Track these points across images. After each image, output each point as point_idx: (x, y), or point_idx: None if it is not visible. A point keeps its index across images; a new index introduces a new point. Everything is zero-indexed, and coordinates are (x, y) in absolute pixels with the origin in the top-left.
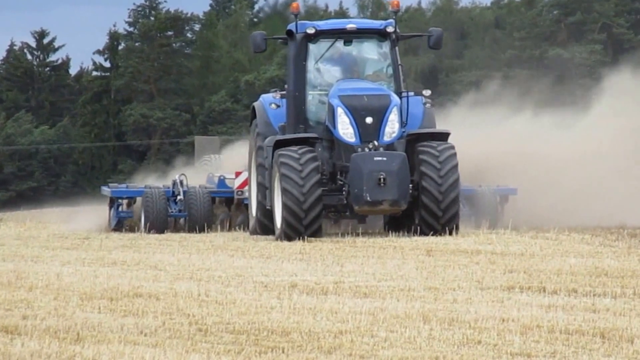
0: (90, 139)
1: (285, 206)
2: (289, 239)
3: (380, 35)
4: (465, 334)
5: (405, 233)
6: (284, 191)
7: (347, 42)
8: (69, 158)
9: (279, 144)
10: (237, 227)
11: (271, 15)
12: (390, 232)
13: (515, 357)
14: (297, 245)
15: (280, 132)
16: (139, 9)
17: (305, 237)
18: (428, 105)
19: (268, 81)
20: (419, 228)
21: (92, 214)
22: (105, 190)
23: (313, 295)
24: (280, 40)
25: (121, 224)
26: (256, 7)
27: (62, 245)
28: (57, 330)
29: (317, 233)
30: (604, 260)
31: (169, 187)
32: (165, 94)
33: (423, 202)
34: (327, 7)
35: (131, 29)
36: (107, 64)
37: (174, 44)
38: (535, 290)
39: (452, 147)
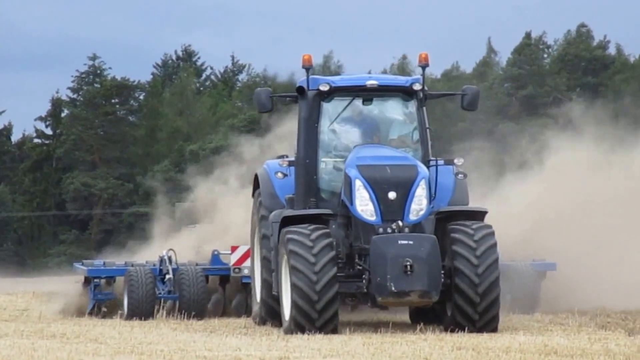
0: (31, 207)
1: (295, 304)
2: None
3: (405, 93)
4: None
5: (437, 327)
6: (294, 287)
7: (367, 101)
8: (7, 226)
9: (286, 221)
10: (233, 310)
11: (217, 83)
12: (417, 324)
13: None
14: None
15: (287, 205)
16: (83, 75)
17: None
18: (461, 176)
19: (213, 151)
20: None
21: (62, 293)
22: (80, 268)
23: None
24: (288, 98)
25: (99, 307)
26: (203, 75)
27: (0, 317)
28: None
29: (331, 331)
30: (554, 338)
31: (155, 265)
32: (108, 163)
33: (457, 303)
34: (275, 76)
35: (74, 96)
36: (49, 131)
37: (118, 112)
38: None
39: (492, 234)
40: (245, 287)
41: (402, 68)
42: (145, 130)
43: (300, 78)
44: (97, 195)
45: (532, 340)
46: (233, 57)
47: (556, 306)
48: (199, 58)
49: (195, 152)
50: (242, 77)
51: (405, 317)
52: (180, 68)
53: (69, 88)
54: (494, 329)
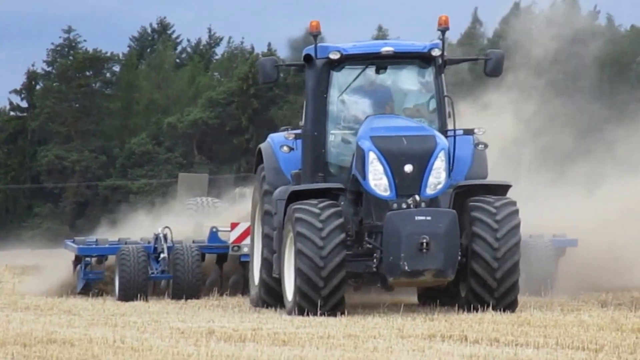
0: (5, 180)
1: (299, 290)
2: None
3: (423, 60)
4: None
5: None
6: (299, 272)
7: (381, 70)
8: None
9: (293, 196)
10: (229, 290)
11: (193, 56)
12: (425, 305)
13: None
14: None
15: (293, 181)
16: (58, 48)
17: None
18: (481, 147)
19: (191, 123)
20: (466, 302)
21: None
22: (71, 245)
23: (231, 343)
24: (294, 67)
25: (89, 287)
26: (179, 47)
27: None
28: None
29: (339, 305)
30: (526, 310)
31: (149, 242)
32: (83, 136)
33: (472, 287)
34: (253, 48)
35: (49, 69)
36: (24, 104)
37: (93, 84)
38: (457, 339)
39: (516, 212)
40: (244, 265)
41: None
42: (120, 102)
43: (279, 49)
44: (71, 168)
45: (504, 312)
46: (210, 30)
47: (575, 286)
48: (174, 31)
49: (173, 125)
50: (220, 50)
51: (413, 298)
52: (156, 41)
53: (44, 61)
54: (513, 301)
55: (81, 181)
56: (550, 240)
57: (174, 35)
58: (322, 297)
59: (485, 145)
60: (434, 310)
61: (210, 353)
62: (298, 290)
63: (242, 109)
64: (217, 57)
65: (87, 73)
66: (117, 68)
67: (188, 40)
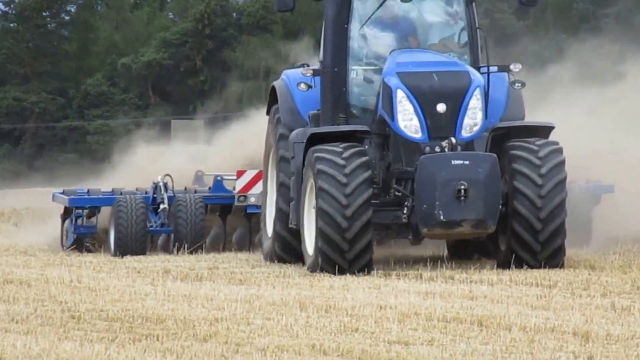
0: None
1: (320, 232)
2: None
3: None
4: (343, 322)
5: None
6: (321, 212)
7: None
8: None
9: (314, 140)
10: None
11: None
12: (456, 260)
13: (393, 344)
14: None
15: (311, 123)
16: None
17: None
18: (518, 85)
19: (145, 64)
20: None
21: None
22: (60, 197)
23: (187, 282)
24: None
25: (81, 242)
26: None
27: None
28: None
29: (366, 267)
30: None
31: (147, 192)
32: (40, 77)
33: (514, 230)
34: None
35: (6, 9)
36: None
37: (49, 25)
38: (412, 277)
39: (560, 150)
40: (249, 218)
41: None
42: (76, 44)
43: None
44: (30, 109)
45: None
46: None
47: (610, 236)
48: None
49: (128, 66)
50: None
51: (441, 252)
52: None
53: (1, 1)
54: (558, 264)
55: (40, 122)
56: (584, 186)
57: None
58: (347, 260)
59: (523, 84)
60: (390, 248)
61: (167, 292)
62: (320, 251)
63: (196, 49)
64: None
65: (44, 13)
66: (73, 8)
67: None
